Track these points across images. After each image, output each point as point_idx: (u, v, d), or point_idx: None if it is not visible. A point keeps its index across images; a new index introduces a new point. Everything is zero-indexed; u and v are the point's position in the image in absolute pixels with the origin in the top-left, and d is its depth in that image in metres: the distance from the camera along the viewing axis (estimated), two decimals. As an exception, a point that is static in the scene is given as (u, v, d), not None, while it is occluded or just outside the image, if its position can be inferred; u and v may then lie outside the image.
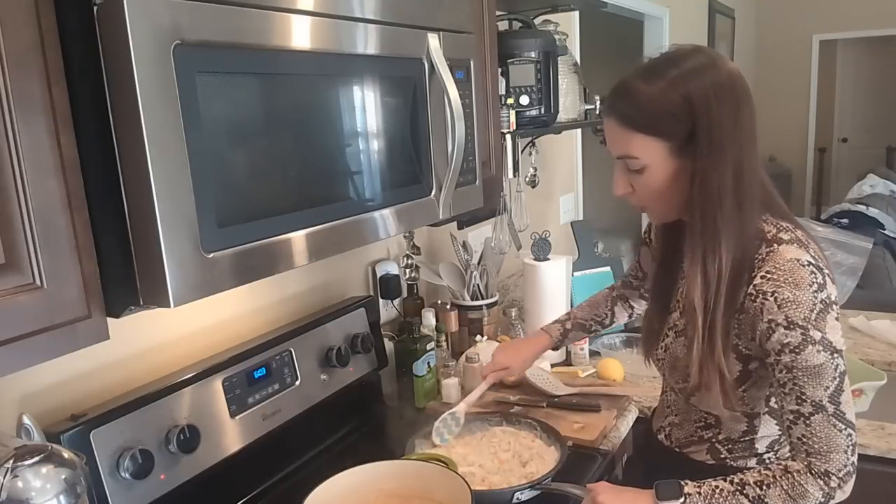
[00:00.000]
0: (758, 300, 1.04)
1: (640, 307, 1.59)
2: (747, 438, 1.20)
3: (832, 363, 1.02)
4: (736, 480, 1.07)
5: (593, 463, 1.47)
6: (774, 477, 1.05)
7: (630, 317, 1.63)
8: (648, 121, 1.06)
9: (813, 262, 1.04)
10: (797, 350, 1.02)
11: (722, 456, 1.23)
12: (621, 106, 1.08)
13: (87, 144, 0.80)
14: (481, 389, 1.54)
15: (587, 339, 1.94)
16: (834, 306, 1.04)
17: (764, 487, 1.05)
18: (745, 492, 1.05)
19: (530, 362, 1.59)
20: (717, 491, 1.07)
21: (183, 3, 0.80)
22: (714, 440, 1.24)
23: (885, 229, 4.41)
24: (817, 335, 1.01)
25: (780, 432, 1.20)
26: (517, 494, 1.25)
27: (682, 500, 1.07)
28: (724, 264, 1.07)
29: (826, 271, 1.05)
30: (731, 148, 1.04)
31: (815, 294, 1.02)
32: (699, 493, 1.07)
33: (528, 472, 1.33)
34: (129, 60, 0.75)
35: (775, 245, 1.07)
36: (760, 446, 1.21)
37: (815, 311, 1.02)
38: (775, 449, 1.21)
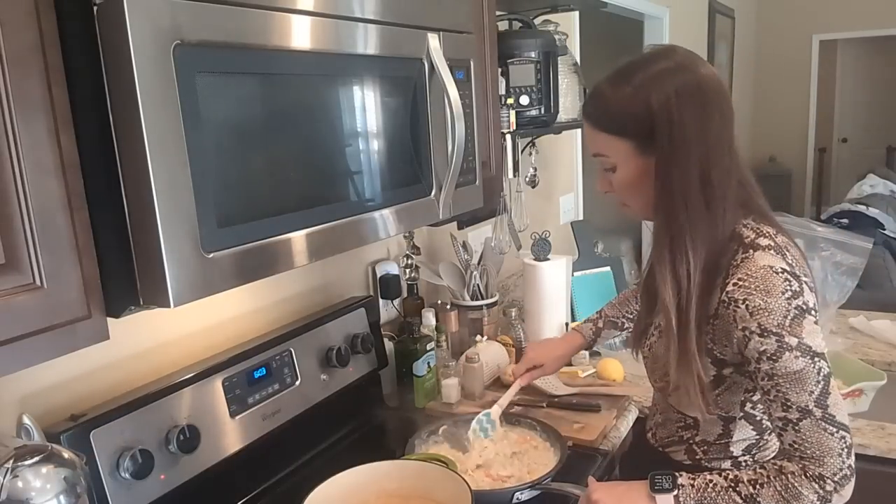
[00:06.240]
0: (730, 307, 1.05)
1: None
2: (722, 441, 1.21)
3: (813, 367, 1.01)
4: (730, 477, 1.07)
5: (593, 463, 1.47)
6: (769, 477, 1.05)
7: None
8: (612, 123, 1.12)
9: (788, 269, 1.04)
10: (774, 357, 1.02)
11: (697, 457, 1.24)
12: (592, 109, 1.16)
13: (87, 144, 0.80)
14: (515, 389, 1.54)
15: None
16: (812, 312, 1.03)
17: (757, 486, 1.05)
18: (738, 489, 1.05)
19: (564, 361, 1.60)
20: (711, 485, 1.07)
21: (183, 3, 0.80)
22: (692, 441, 1.24)
23: (885, 229, 4.40)
24: (793, 341, 1.01)
25: (756, 436, 1.20)
26: (517, 494, 1.26)
27: (675, 492, 1.07)
28: (693, 264, 1.08)
29: (804, 279, 1.05)
30: (696, 147, 1.06)
31: (789, 301, 1.01)
32: (692, 486, 1.07)
33: (528, 472, 1.33)
34: (129, 60, 0.75)
35: (751, 251, 1.07)
36: (736, 449, 1.21)
37: (789, 318, 1.01)
38: (752, 452, 1.21)
